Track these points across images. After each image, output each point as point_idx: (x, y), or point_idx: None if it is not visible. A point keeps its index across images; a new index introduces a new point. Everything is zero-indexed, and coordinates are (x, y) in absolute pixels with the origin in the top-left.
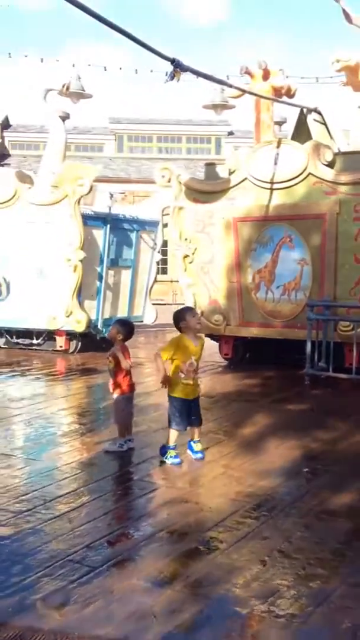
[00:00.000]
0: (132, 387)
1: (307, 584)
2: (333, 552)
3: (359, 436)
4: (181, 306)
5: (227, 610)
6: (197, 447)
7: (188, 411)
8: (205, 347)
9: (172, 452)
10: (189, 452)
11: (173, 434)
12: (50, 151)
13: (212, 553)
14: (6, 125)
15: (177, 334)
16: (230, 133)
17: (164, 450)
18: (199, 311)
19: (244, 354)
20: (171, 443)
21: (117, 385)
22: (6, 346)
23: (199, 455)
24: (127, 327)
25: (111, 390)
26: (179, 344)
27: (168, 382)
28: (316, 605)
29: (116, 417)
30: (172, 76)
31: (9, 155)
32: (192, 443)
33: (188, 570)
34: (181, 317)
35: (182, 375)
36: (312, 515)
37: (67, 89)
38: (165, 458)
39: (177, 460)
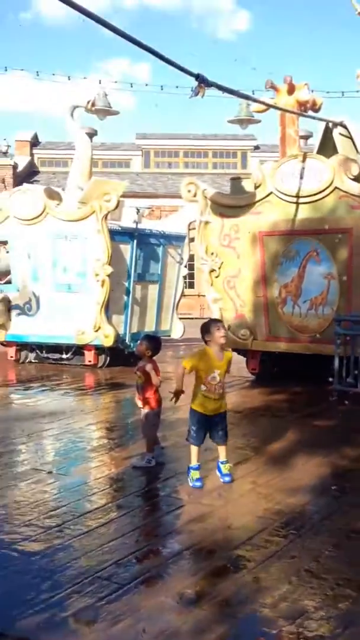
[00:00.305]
0: (160, 402)
1: (336, 605)
2: None
3: None
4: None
5: (254, 631)
6: (224, 468)
7: (206, 426)
8: (232, 361)
9: (194, 474)
10: (217, 473)
11: (192, 450)
12: (77, 167)
13: (240, 572)
14: (35, 142)
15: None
16: (257, 147)
17: (188, 471)
18: (225, 326)
19: (271, 368)
20: (193, 462)
21: (145, 401)
22: (36, 361)
23: (226, 478)
24: (155, 343)
25: (140, 405)
26: (202, 356)
27: (178, 395)
28: (344, 627)
29: (146, 431)
30: (197, 92)
31: (38, 172)
32: (220, 464)
33: (215, 589)
34: (206, 330)
35: (204, 388)
36: (341, 534)
37: (93, 105)
38: (190, 479)
39: (198, 484)
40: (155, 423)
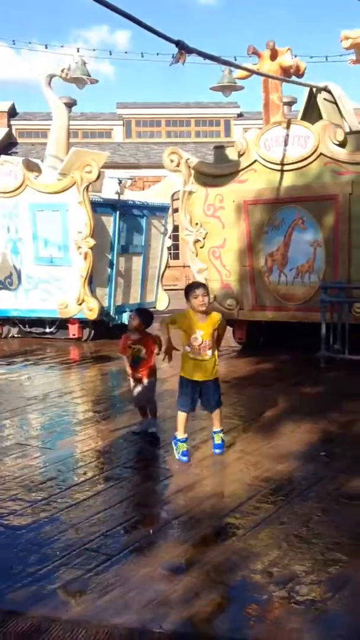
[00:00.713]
0: (155, 370)
1: (326, 569)
2: (352, 536)
3: None
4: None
5: (245, 597)
6: (217, 438)
7: (193, 393)
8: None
9: (181, 447)
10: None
11: (179, 418)
12: (53, 137)
13: (229, 539)
14: (13, 113)
15: None
16: (240, 115)
17: (175, 443)
18: (211, 296)
19: (258, 337)
20: (179, 433)
21: (147, 372)
22: (19, 335)
23: (217, 450)
24: (147, 315)
25: (137, 377)
26: (184, 317)
27: (170, 352)
28: (335, 591)
29: (150, 398)
30: (178, 59)
31: (17, 144)
32: (213, 434)
33: (205, 557)
34: (186, 295)
35: (188, 349)
36: (330, 499)
37: (68, 73)
38: (176, 451)
39: (184, 457)
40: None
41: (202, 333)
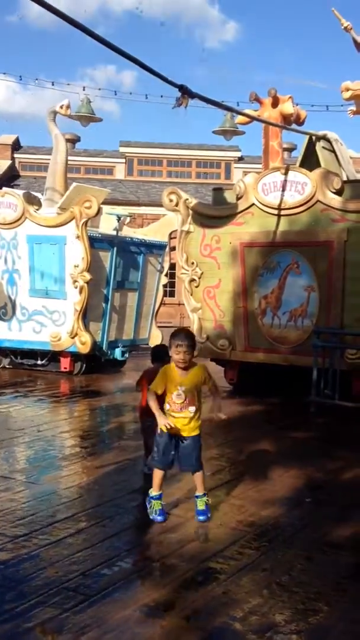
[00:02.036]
0: None
1: (306, 619)
2: (334, 586)
3: None
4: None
5: None
6: (200, 504)
7: (170, 447)
8: (213, 370)
9: (155, 505)
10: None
11: (155, 475)
12: (52, 170)
13: (210, 584)
14: (17, 146)
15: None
16: (241, 158)
17: (148, 500)
18: (203, 336)
19: (249, 379)
20: (154, 490)
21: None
22: (10, 366)
23: (201, 517)
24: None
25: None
26: (164, 376)
27: (168, 424)
28: None
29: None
30: (180, 102)
31: (19, 176)
32: (196, 499)
33: (185, 602)
34: (165, 353)
35: (167, 407)
36: (314, 547)
37: (67, 108)
38: (150, 510)
39: (160, 517)
40: None
41: (185, 389)
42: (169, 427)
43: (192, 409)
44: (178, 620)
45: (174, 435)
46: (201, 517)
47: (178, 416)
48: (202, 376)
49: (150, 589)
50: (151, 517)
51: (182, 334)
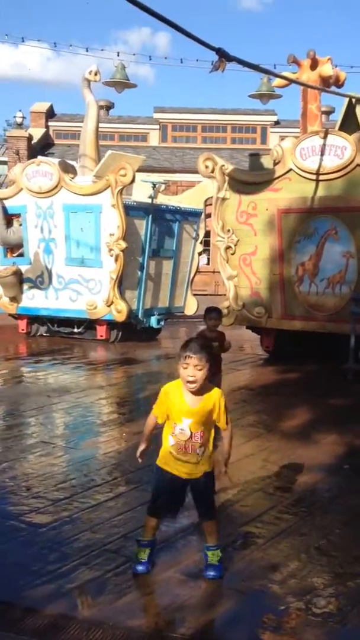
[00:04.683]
0: None
1: (345, 583)
2: None
3: None
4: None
5: (262, 606)
6: (211, 557)
7: (173, 491)
8: (249, 337)
9: (140, 553)
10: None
11: (147, 521)
12: (82, 137)
13: (249, 548)
14: (51, 114)
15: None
16: (277, 122)
17: (136, 541)
18: (240, 303)
19: (285, 347)
20: (143, 534)
21: (220, 368)
22: (47, 334)
23: (211, 573)
24: (221, 313)
25: (216, 372)
26: (165, 397)
27: (142, 454)
28: (353, 605)
29: None
30: (217, 66)
31: (53, 144)
32: (206, 550)
33: (224, 564)
34: (178, 355)
35: (172, 442)
36: (351, 513)
37: (96, 74)
38: (133, 554)
39: (140, 568)
40: None
41: (191, 422)
42: (141, 459)
43: (200, 450)
44: (217, 583)
45: (173, 476)
46: (211, 574)
47: (182, 458)
48: (216, 406)
49: (190, 552)
50: (132, 568)
51: (194, 343)
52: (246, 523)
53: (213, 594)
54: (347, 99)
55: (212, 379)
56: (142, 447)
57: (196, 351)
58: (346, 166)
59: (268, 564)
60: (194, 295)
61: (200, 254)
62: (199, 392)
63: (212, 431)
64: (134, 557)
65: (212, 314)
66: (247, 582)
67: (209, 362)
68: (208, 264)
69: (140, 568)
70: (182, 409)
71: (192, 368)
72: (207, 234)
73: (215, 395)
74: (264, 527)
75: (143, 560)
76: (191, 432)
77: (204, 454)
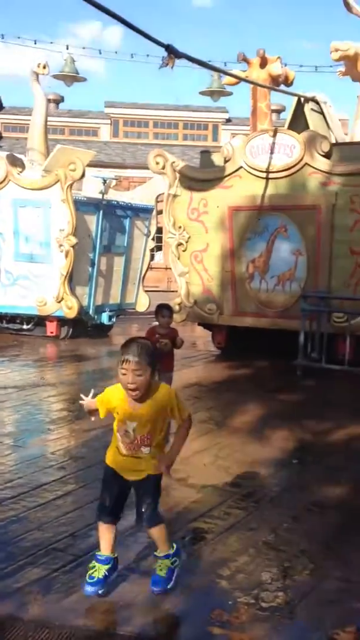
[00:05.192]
0: None
1: (292, 577)
2: (320, 544)
3: (350, 428)
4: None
5: (211, 602)
6: (158, 567)
7: (117, 490)
8: (201, 334)
9: (96, 570)
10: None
11: (99, 528)
12: (30, 131)
13: (197, 543)
14: None
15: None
16: (228, 120)
17: (94, 556)
18: (191, 300)
19: (237, 343)
20: (101, 549)
21: (169, 365)
22: None
23: (156, 587)
24: (173, 310)
25: (167, 369)
26: (111, 396)
27: (92, 412)
28: (300, 599)
29: None
30: (166, 63)
31: (1, 138)
32: (154, 557)
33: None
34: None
35: (119, 438)
36: (300, 507)
37: (44, 67)
38: (87, 571)
39: (90, 589)
40: None
41: (136, 425)
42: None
43: (146, 450)
44: None
45: (116, 474)
46: (155, 589)
47: (128, 459)
48: (167, 405)
49: (138, 549)
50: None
51: (133, 345)
52: (195, 519)
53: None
54: (296, 98)
55: (165, 375)
56: (87, 403)
57: (135, 354)
58: (295, 165)
59: (216, 559)
60: (146, 291)
61: (152, 250)
62: (144, 396)
63: (164, 431)
64: (86, 574)
65: (164, 311)
66: (196, 578)
67: (151, 365)
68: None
69: (89, 590)
70: (125, 412)
71: (132, 374)
72: (160, 230)
73: (164, 395)
74: (213, 522)
75: (98, 579)
76: (135, 435)
77: (150, 455)
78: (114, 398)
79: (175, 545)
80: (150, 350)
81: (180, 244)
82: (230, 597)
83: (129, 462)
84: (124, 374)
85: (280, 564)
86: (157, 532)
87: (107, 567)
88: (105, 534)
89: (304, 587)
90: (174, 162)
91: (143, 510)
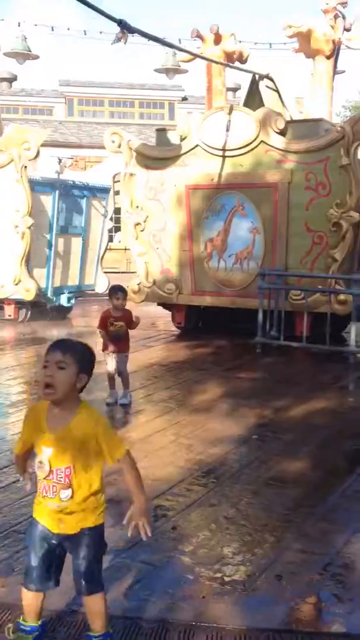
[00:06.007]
0: None
1: (253, 550)
2: (280, 518)
3: (309, 404)
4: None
5: (172, 578)
6: None
7: (49, 553)
8: (161, 314)
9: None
10: None
11: (23, 596)
12: None
13: (159, 520)
14: None
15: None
16: (184, 98)
17: (17, 626)
18: (150, 280)
19: (196, 322)
20: (25, 617)
21: (125, 346)
22: None
23: None
24: (127, 293)
25: (123, 350)
26: (29, 419)
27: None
28: (261, 572)
29: (126, 370)
30: (119, 38)
31: None
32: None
33: (134, 538)
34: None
35: (38, 478)
36: (260, 482)
37: None
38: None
39: None
40: None
41: (51, 453)
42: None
43: (66, 494)
44: (127, 556)
45: (45, 530)
46: None
47: (48, 505)
48: (92, 434)
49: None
50: None
51: (68, 341)
52: (157, 496)
53: (123, 567)
54: (251, 76)
55: (120, 356)
56: (25, 483)
57: (63, 348)
58: (250, 142)
59: (178, 535)
60: (105, 272)
61: (111, 231)
62: (65, 409)
63: (99, 469)
64: None
65: (118, 293)
66: (157, 554)
67: (80, 366)
68: (117, 241)
69: None
70: (41, 433)
71: (53, 366)
72: (118, 210)
73: (89, 417)
74: (174, 499)
75: None
76: (50, 467)
77: (73, 500)
78: (37, 415)
79: (113, 627)
80: (87, 354)
81: (138, 224)
82: (192, 572)
83: (52, 512)
84: (45, 366)
85: (241, 538)
86: (95, 604)
87: (33, 635)
88: (32, 602)
89: (265, 560)
90: (130, 141)
91: (81, 570)
